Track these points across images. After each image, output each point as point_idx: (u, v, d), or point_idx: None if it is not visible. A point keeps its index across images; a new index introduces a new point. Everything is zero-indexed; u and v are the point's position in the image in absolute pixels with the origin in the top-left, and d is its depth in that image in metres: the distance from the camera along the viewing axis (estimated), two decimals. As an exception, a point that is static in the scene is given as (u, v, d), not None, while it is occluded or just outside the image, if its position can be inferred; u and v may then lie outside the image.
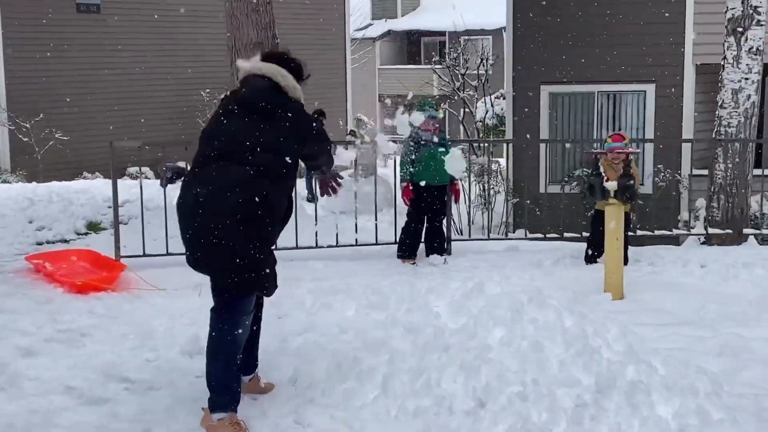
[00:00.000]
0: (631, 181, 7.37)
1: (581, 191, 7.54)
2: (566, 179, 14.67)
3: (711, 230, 10.80)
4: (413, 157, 9.05)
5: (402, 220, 9.39)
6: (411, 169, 9.03)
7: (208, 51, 24.31)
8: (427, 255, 9.29)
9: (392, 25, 43.05)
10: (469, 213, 11.43)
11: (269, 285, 5.11)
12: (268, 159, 4.92)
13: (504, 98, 21.37)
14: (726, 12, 11.19)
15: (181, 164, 20.28)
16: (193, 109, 25.11)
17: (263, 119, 5.02)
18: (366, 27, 42.63)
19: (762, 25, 11.05)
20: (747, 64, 11.10)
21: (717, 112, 11.42)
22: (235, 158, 4.89)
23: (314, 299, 7.24)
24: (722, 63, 11.31)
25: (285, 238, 9.20)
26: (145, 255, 8.83)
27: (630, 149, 7.51)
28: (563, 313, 6.62)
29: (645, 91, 15.08)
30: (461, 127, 20.88)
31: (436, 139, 9.10)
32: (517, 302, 6.85)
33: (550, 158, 15.31)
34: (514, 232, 14.23)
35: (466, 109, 20.05)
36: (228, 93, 5.52)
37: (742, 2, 10.98)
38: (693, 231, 11.20)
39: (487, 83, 19.38)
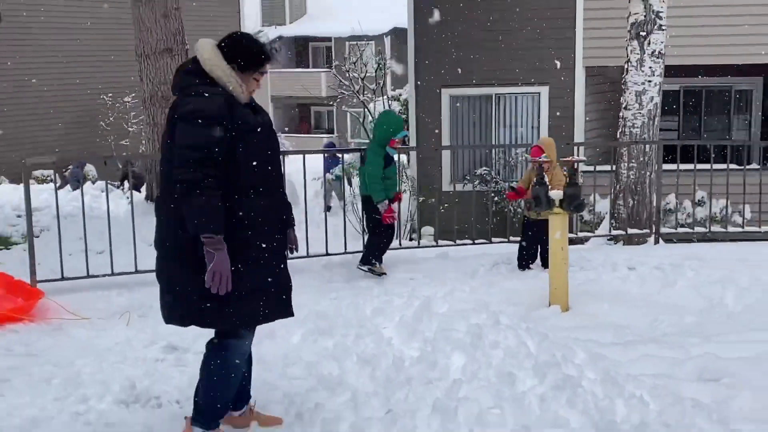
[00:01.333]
0: (579, 191, 6.43)
1: (526, 201, 6.56)
2: (467, 178, 13.85)
3: (631, 230, 9.99)
4: (383, 174, 7.88)
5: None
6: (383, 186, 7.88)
7: (110, 55, 22.71)
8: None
9: (282, 32, 41.56)
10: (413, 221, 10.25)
11: None
12: None
13: (395, 99, 20.44)
14: (629, 17, 10.40)
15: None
16: (95, 113, 23.48)
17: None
18: (257, 33, 40.88)
19: (663, 29, 10.30)
20: (650, 67, 10.35)
21: (621, 114, 10.64)
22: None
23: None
24: (625, 66, 10.53)
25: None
26: (63, 278, 7.38)
27: (576, 158, 6.56)
28: (521, 334, 5.66)
29: (539, 93, 14.29)
30: (363, 129, 19.73)
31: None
32: (471, 323, 5.86)
33: (454, 158, 14.47)
34: (419, 230, 13.33)
35: (366, 111, 18.96)
36: None
37: (645, 7, 10.21)
38: (614, 231, 10.26)
39: (384, 86, 18.35)
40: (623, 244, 10.05)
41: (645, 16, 10.21)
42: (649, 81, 10.38)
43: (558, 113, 14.15)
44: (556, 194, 6.48)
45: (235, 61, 3.91)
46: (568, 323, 6.13)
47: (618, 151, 10.59)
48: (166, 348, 5.70)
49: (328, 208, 15.13)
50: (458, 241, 8.77)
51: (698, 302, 6.60)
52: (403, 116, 20.05)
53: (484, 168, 13.72)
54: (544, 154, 7.38)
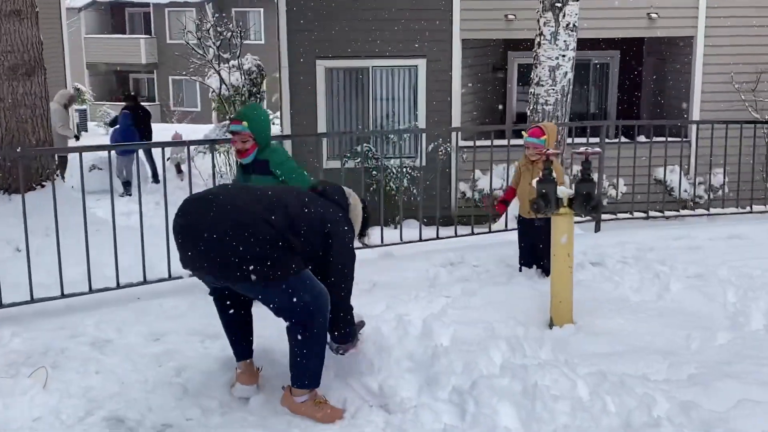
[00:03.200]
0: (594, 187, 5.11)
1: (533, 202, 5.17)
2: (347, 155, 12.35)
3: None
4: None
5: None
6: None
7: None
8: None
9: (97, -4, 37.82)
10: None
11: None
12: None
13: (237, 69, 18.43)
14: (542, -14, 9.23)
15: None
16: None
17: None
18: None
19: (578, 0, 9.22)
20: (564, 41, 9.24)
21: (532, 90, 9.51)
22: None
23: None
24: (537, 39, 9.37)
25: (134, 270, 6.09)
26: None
27: (591, 149, 5.22)
28: (567, 373, 4.29)
29: (417, 66, 12.93)
30: (219, 100, 17.54)
31: None
32: (499, 360, 4.46)
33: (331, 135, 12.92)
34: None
35: (221, 81, 16.85)
36: None
37: (560, -24, 9.07)
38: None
39: (241, 55, 16.38)
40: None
41: (561, -14, 9.07)
42: (563, 55, 9.29)
43: (435, 88, 12.89)
44: (564, 192, 5.16)
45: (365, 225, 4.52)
46: (597, 348, 4.84)
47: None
48: (112, 421, 3.91)
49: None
50: (404, 239, 7.21)
51: (712, 310, 5.51)
52: (245, 89, 18.15)
53: (365, 144, 12.23)
54: (544, 137, 6.03)
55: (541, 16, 9.26)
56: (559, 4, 9.10)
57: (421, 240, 7.18)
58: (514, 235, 7.84)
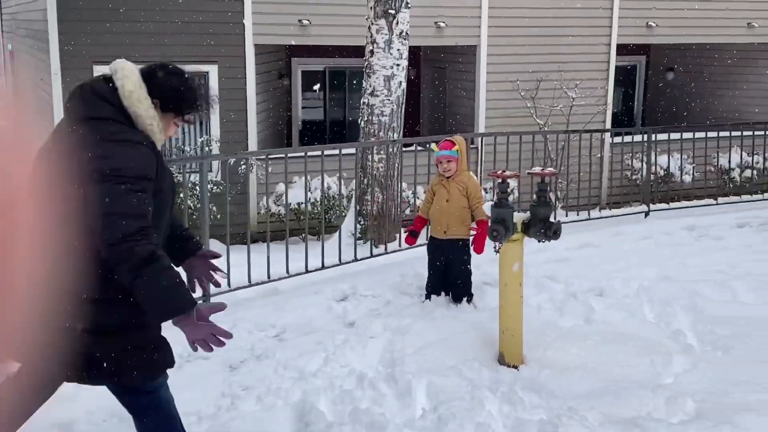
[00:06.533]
0: (551, 211, 4.71)
1: (491, 230, 4.63)
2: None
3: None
4: None
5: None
6: None
7: None
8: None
9: None
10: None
11: None
12: None
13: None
14: (373, -8, 8.76)
15: None
16: None
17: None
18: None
19: (409, 7, 8.85)
20: (398, 49, 8.83)
21: (366, 100, 8.98)
22: None
23: None
24: (370, 48, 8.87)
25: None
26: None
27: (548, 170, 4.76)
28: (582, 422, 3.88)
29: (208, 72, 11.90)
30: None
31: None
32: (509, 417, 3.92)
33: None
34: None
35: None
36: None
37: (393, -18, 8.65)
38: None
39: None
40: (373, 243, 8.47)
41: (394, -8, 8.65)
42: (398, 65, 8.87)
43: (229, 95, 11.95)
44: (519, 216, 4.73)
45: (160, 97, 2.90)
46: (577, 387, 4.44)
47: (365, 141, 8.96)
48: None
49: None
50: (291, 272, 6.33)
51: (649, 330, 5.34)
52: None
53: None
54: (455, 147, 5.60)
55: (372, 23, 8.77)
56: (392, 11, 8.67)
57: (307, 271, 6.37)
58: (385, 260, 7.37)
